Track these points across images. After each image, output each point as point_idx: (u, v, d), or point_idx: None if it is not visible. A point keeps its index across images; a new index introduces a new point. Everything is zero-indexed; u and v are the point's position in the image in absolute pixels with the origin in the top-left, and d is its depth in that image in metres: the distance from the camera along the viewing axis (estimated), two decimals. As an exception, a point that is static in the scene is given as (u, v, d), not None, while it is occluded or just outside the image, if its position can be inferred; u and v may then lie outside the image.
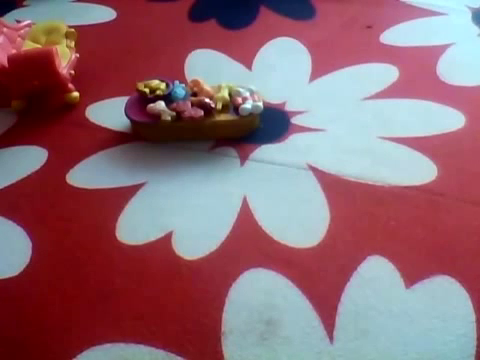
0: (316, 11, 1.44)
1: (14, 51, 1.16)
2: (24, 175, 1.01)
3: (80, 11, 1.49)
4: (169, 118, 1.02)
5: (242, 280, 0.81)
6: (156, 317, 0.78)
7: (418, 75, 1.19)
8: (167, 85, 1.08)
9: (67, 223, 0.92)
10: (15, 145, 1.09)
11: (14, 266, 0.85)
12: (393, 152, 1.01)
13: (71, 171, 1.01)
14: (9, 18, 1.42)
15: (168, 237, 0.88)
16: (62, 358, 0.74)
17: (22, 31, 1.23)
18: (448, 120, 1.06)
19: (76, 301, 0.81)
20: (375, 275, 0.81)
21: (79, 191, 0.98)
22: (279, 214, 0.91)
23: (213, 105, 1.03)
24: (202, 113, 1.02)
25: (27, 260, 0.86)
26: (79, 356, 0.74)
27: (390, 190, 0.93)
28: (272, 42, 1.32)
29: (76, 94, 1.16)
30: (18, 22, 1.29)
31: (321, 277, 0.81)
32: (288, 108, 1.12)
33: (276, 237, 0.87)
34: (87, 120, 1.13)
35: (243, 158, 1.02)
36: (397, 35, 1.32)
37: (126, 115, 1.06)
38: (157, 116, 1.03)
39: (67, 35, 1.22)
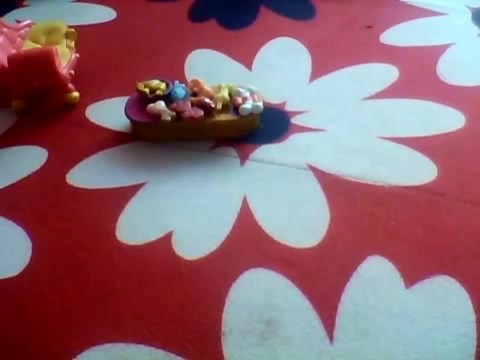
0: (316, 11, 1.44)
1: (14, 51, 1.16)
2: (24, 175, 1.01)
3: (80, 11, 1.49)
4: (169, 118, 1.02)
5: (242, 280, 0.81)
6: (156, 317, 0.78)
7: (418, 75, 1.19)
8: (167, 85, 1.08)
9: (67, 223, 0.92)
10: (15, 145, 1.09)
11: (14, 266, 0.85)
12: (393, 152, 1.01)
13: (71, 171, 1.01)
14: (9, 18, 1.42)
15: (168, 237, 0.88)
16: (62, 358, 0.74)
17: (22, 31, 1.23)
18: (448, 120, 1.06)
19: (76, 301, 0.81)
20: (375, 275, 0.81)
21: (79, 191, 0.98)
22: (279, 214, 0.91)
23: (213, 105, 1.03)
24: (202, 113, 1.02)
25: (27, 260, 0.86)
26: (79, 356, 0.74)
27: (390, 190, 0.93)
28: (272, 42, 1.32)
29: (76, 94, 1.16)
30: (18, 22, 1.29)
31: (321, 277, 0.81)
32: (288, 108, 1.12)
33: (276, 237, 0.87)
34: (87, 120, 1.13)
35: (243, 158, 1.02)
36: (397, 35, 1.32)
37: (126, 115, 1.06)
38: (157, 116, 1.03)
39: (67, 35, 1.22)
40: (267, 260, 0.84)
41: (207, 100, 1.04)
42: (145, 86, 1.07)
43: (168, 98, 1.05)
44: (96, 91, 1.19)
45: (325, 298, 0.78)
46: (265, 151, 1.03)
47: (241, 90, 1.06)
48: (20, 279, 0.84)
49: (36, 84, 1.13)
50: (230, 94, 1.06)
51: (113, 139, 1.08)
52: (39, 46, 1.21)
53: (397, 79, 1.17)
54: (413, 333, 0.74)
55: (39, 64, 1.10)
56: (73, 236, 0.90)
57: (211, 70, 1.23)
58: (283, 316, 0.77)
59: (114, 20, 1.45)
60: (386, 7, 1.44)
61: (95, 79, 1.23)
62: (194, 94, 1.07)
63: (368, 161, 0.99)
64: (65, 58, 1.17)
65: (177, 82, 1.09)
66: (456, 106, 1.09)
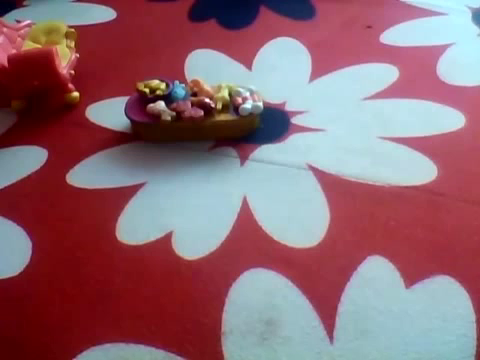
0: (316, 11, 1.44)
1: (14, 51, 1.16)
2: (24, 175, 1.01)
3: (80, 11, 1.49)
4: (169, 118, 1.02)
5: (242, 280, 0.81)
6: (156, 317, 0.78)
7: (418, 75, 1.19)
8: (167, 85, 1.08)
9: (67, 223, 0.92)
10: (15, 145, 1.09)
11: (14, 266, 0.85)
12: (393, 152, 1.01)
13: (71, 171, 1.01)
14: (9, 18, 1.42)
15: (168, 237, 0.88)
16: (62, 358, 0.74)
17: (22, 31, 1.23)
18: (448, 120, 1.06)
19: (76, 301, 0.81)
20: (375, 275, 0.81)
21: (79, 191, 0.98)
22: (279, 214, 0.91)
23: (213, 105, 1.03)
24: (202, 113, 1.02)
25: (27, 260, 0.86)
26: (79, 356, 0.74)
27: (390, 190, 0.93)
28: (272, 42, 1.32)
29: (76, 94, 1.16)
30: (18, 22, 1.28)
31: (321, 277, 0.81)
32: (288, 108, 1.12)
33: (276, 237, 0.87)
34: (87, 120, 1.13)
35: (243, 158, 1.02)
36: (397, 35, 1.32)
37: (126, 115, 1.06)
38: (157, 116, 1.03)
39: (67, 35, 1.22)
40: (267, 260, 0.84)
41: (207, 100, 1.04)
42: (145, 86, 1.07)
43: (168, 98, 1.05)
44: (96, 91, 1.19)
45: (325, 298, 0.78)
46: (265, 151, 1.03)
47: (241, 90, 1.06)
48: (20, 279, 0.84)
49: (36, 84, 1.13)
50: (230, 94, 1.06)
51: (113, 139, 1.08)
52: (39, 46, 1.21)
53: (397, 79, 1.17)
54: (413, 333, 0.74)
55: (39, 64, 1.10)
56: (73, 236, 0.90)
57: (211, 70, 1.23)
58: (283, 316, 0.77)
59: (114, 20, 1.45)
60: (386, 7, 1.44)
61: (95, 79, 1.23)
62: (194, 94, 1.07)
63: (368, 161, 0.99)
64: (65, 58, 1.17)
65: (177, 82, 1.09)
66: (456, 106, 1.09)
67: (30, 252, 0.87)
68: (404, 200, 0.91)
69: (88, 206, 0.95)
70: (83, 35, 1.26)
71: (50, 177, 1.01)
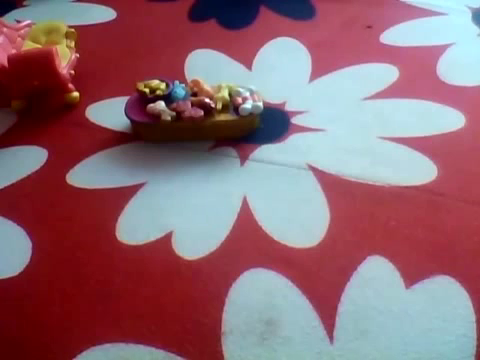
0: (316, 11, 1.44)
1: (14, 51, 1.16)
2: (24, 175, 1.01)
3: (80, 11, 1.49)
4: (169, 118, 1.02)
5: (242, 280, 0.81)
6: (156, 317, 0.78)
7: (418, 75, 1.19)
8: (167, 85, 1.08)
9: (67, 223, 0.92)
10: (15, 145, 1.09)
11: (14, 266, 0.85)
12: (393, 152, 1.01)
13: (71, 171, 1.01)
14: (9, 18, 1.42)
15: (168, 237, 0.88)
16: (62, 358, 0.74)
17: (22, 31, 1.23)
18: (448, 120, 1.06)
19: (76, 301, 0.81)
20: (375, 275, 0.81)
21: (79, 191, 0.98)
22: (279, 214, 0.91)
23: (213, 105, 1.03)
24: (202, 113, 1.02)
25: (27, 260, 0.86)
26: (79, 356, 0.74)
27: (390, 190, 0.93)
28: (272, 42, 1.32)
29: (76, 94, 1.16)
30: (18, 22, 1.29)
31: (321, 277, 0.81)
32: (288, 108, 1.12)
33: (276, 237, 0.87)
34: (87, 120, 1.13)
35: (243, 158, 1.02)
36: (397, 35, 1.32)
37: (126, 115, 1.06)
38: (157, 116, 1.03)
39: (67, 35, 1.22)
40: (267, 260, 0.84)
41: (207, 100, 1.04)
42: (145, 86, 1.07)
43: (168, 98, 1.05)
44: (96, 91, 1.19)
45: (325, 298, 0.78)
46: (265, 151, 1.03)
47: (241, 90, 1.06)
48: (20, 279, 0.84)
49: (36, 84, 1.13)
50: (230, 94, 1.06)
51: (113, 139, 1.08)
52: (39, 46, 1.21)
53: (397, 79, 1.17)
54: (413, 333, 0.74)
55: (39, 64, 1.10)
56: (73, 236, 0.90)
57: (211, 70, 1.23)
58: (283, 316, 0.77)
59: (114, 20, 1.45)
60: (386, 7, 1.44)
61: (95, 79, 1.23)
62: (194, 94, 1.07)
63: (368, 161, 0.99)
64: (65, 58, 1.17)
65: (177, 82, 1.09)
66: (456, 106, 1.09)
67: (30, 252, 0.87)
68: (404, 200, 0.91)
69: (88, 206, 0.95)
70: (83, 35, 1.26)
71: (50, 177, 1.01)
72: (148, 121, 1.03)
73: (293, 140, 1.05)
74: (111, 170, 1.01)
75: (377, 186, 0.94)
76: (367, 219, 0.89)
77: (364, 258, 0.83)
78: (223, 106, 1.04)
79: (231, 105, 1.05)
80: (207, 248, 0.86)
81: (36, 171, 1.02)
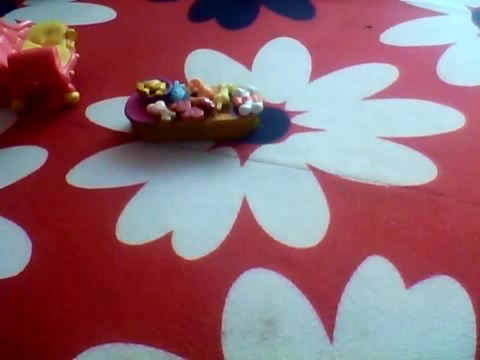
0: (316, 11, 1.44)
1: (14, 51, 1.16)
2: (24, 175, 1.01)
3: (80, 11, 1.49)
4: (169, 118, 1.02)
5: (242, 280, 0.81)
6: (156, 317, 0.78)
7: (418, 75, 1.19)
8: (167, 85, 1.08)
9: (67, 223, 0.92)
10: (15, 145, 1.09)
11: (14, 266, 0.85)
12: (393, 152, 1.01)
13: (71, 171, 1.01)
14: (9, 18, 1.42)
15: (168, 237, 0.88)
16: (62, 358, 0.74)
17: (22, 31, 1.23)
18: (448, 120, 1.06)
19: (76, 301, 0.81)
20: (375, 275, 0.81)
21: (79, 191, 0.98)
22: (279, 214, 0.91)
23: (213, 105, 1.03)
24: (202, 113, 1.02)
25: (27, 260, 0.86)
26: (79, 356, 0.74)
27: (390, 190, 0.93)
28: (272, 42, 1.32)
29: (76, 94, 1.16)
30: (18, 22, 1.29)
31: (321, 277, 0.81)
32: (288, 108, 1.12)
33: (276, 237, 0.87)
34: (87, 120, 1.13)
35: (243, 158, 1.02)
36: (397, 35, 1.32)
37: (126, 115, 1.06)
38: (157, 116, 1.03)
39: (67, 35, 1.22)
40: (267, 260, 0.84)
41: (207, 100, 1.04)
42: (145, 86, 1.07)
43: (168, 98, 1.05)
44: (96, 91, 1.19)
45: (325, 298, 0.78)
46: (265, 151, 1.03)
47: (241, 90, 1.06)
48: (20, 279, 0.84)
49: (36, 84, 1.13)
50: (230, 94, 1.06)
51: (113, 139, 1.08)
52: (39, 46, 1.21)
53: (397, 79, 1.17)
54: (413, 333, 0.74)
55: (39, 64, 1.10)
56: (73, 236, 0.90)
57: (211, 70, 1.23)
58: (283, 316, 0.77)
59: (114, 20, 1.45)
60: (386, 7, 1.44)
61: (95, 79, 1.23)
62: (194, 94, 1.07)
63: (368, 161, 0.99)
64: (65, 58, 1.17)
65: (177, 82, 1.09)
66: (456, 106, 1.09)
67: (30, 252, 0.87)
68: (404, 200, 0.91)
69: (88, 206, 0.95)
70: (83, 35, 1.26)
71: (50, 177, 1.01)
72: (148, 121, 1.03)
73: (293, 140, 1.05)
74: (111, 170, 1.01)
75: (377, 186, 0.94)
76: (367, 219, 0.89)
77: (364, 258, 0.83)
78: (223, 106, 1.04)
79: (231, 105, 1.05)
80: (207, 248, 0.86)
81: (36, 171, 1.02)
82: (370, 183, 0.95)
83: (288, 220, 0.90)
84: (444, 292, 0.78)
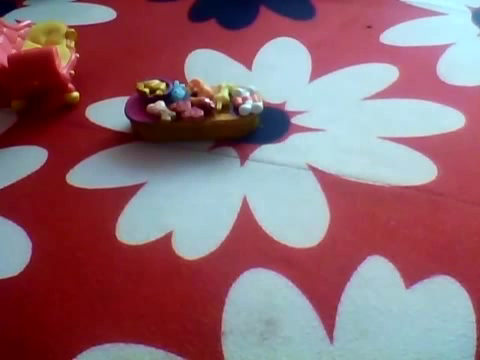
0: (316, 11, 1.44)
1: (14, 51, 1.16)
2: (24, 175, 1.01)
3: (80, 11, 1.49)
4: (169, 118, 1.02)
5: (242, 280, 0.81)
6: (156, 317, 0.78)
7: (418, 75, 1.19)
8: (167, 85, 1.08)
9: (67, 223, 0.92)
10: (15, 145, 1.09)
11: (14, 266, 0.85)
12: (393, 152, 1.01)
13: (71, 171, 1.01)
14: (9, 18, 1.42)
15: (168, 237, 0.88)
16: (62, 358, 0.74)
17: (22, 31, 1.23)
18: (448, 120, 1.06)
19: (76, 301, 0.81)
20: (375, 275, 0.81)
21: (79, 191, 0.98)
22: (279, 214, 0.91)
23: (213, 105, 1.03)
24: (202, 113, 1.02)
25: (27, 260, 0.86)
26: (79, 356, 0.74)
27: (390, 190, 0.93)
28: (272, 42, 1.32)
29: (76, 94, 1.16)
30: (18, 22, 1.29)
31: (321, 277, 0.81)
32: (288, 108, 1.12)
33: (276, 237, 0.87)
34: (87, 120, 1.13)
35: (243, 158, 1.02)
36: (397, 35, 1.32)
37: (126, 115, 1.06)
38: (157, 116, 1.03)
39: (67, 35, 1.22)
40: (267, 260, 0.84)
41: (207, 100, 1.04)
42: (145, 86, 1.07)
43: (168, 98, 1.05)
44: (96, 91, 1.19)
45: (325, 298, 0.78)
46: (265, 151, 1.03)
47: (241, 90, 1.06)
48: (20, 279, 0.84)
49: (36, 84, 1.13)
50: (230, 94, 1.06)
51: (113, 139, 1.08)
52: (39, 46, 1.21)
53: (397, 79, 1.17)
54: (413, 333, 0.74)
55: (39, 64, 1.10)
56: (73, 236, 0.90)
57: (211, 70, 1.23)
58: (283, 316, 0.77)
59: (114, 20, 1.45)
60: (386, 7, 1.44)
61: (95, 79, 1.23)
62: (194, 94, 1.07)
63: (368, 161, 0.99)
64: (65, 58, 1.17)
65: (177, 82, 1.09)
66: (456, 106, 1.09)
67: (30, 252, 0.87)
68: (404, 200, 0.91)
69: (88, 206, 0.95)
70: (83, 35, 1.26)
71: (50, 177, 1.01)
72: (148, 121, 1.03)
73: (293, 140, 1.05)
74: (111, 170, 1.01)
75: (377, 186, 0.94)
76: (367, 219, 0.89)
77: (364, 258, 0.83)
78: (223, 106, 1.04)
79: (231, 105, 1.05)
80: (207, 248, 0.86)
81: (36, 171, 1.02)
82: (370, 183, 0.95)
83: (288, 220, 0.90)
84: (444, 292, 0.78)
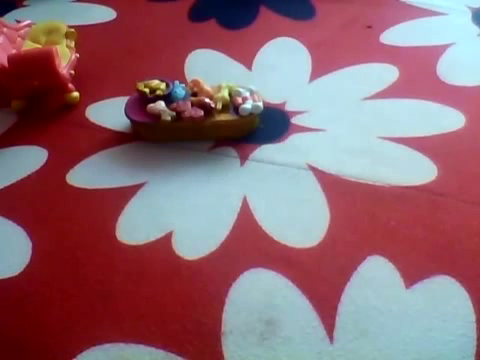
0: (316, 11, 1.44)
1: (14, 51, 1.16)
2: (24, 175, 1.01)
3: (80, 11, 1.49)
4: (169, 118, 1.02)
5: (242, 280, 0.81)
6: (156, 317, 0.78)
7: (418, 75, 1.19)
8: (167, 85, 1.08)
9: (67, 223, 0.92)
10: (15, 145, 1.09)
11: (14, 266, 0.85)
12: (393, 152, 1.01)
13: (71, 171, 1.01)
14: (9, 18, 1.42)
15: (168, 237, 0.88)
16: (62, 358, 0.74)
17: (22, 31, 1.23)
18: (448, 120, 1.06)
19: (76, 301, 0.81)
20: (375, 275, 0.81)
21: (79, 191, 0.98)
22: (279, 214, 0.91)
23: (213, 105, 1.03)
24: (202, 113, 1.02)
25: (27, 260, 0.86)
26: (79, 356, 0.74)
27: (390, 190, 0.93)
28: (272, 42, 1.32)
29: (76, 94, 1.16)
30: (18, 22, 1.29)
31: (321, 277, 0.81)
32: (288, 108, 1.12)
33: (276, 237, 0.87)
34: (87, 120, 1.13)
35: (243, 158, 1.02)
36: (397, 35, 1.32)
37: (126, 115, 1.06)
38: (157, 116, 1.03)
39: (67, 35, 1.22)
40: (267, 260, 0.84)
41: (207, 100, 1.04)
42: (145, 86, 1.07)
43: (168, 98, 1.05)
44: (96, 91, 1.19)
45: (325, 298, 0.78)
46: (265, 151, 1.03)
47: (241, 90, 1.06)
48: (20, 279, 0.84)
49: (36, 84, 1.13)
50: (230, 94, 1.06)
51: (113, 139, 1.08)
52: (39, 46, 1.21)
53: (397, 79, 1.17)
54: (413, 333, 0.74)
55: (39, 64, 1.10)
56: (73, 236, 0.90)
57: (211, 70, 1.23)
58: (283, 316, 0.77)
59: (114, 20, 1.45)
60: (386, 7, 1.44)
61: (95, 79, 1.23)
62: (194, 94, 1.07)
63: (368, 161, 0.99)
64: (65, 58, 1.17)
65: (177, 82, 1.09)
66: (456, 106, 1.09)
67: (30, 252, 0.87)
68: (404, 200, 0.91)
69: (88, 206, 0.95)
70: (83, 35, 1.26)
71: (50, 177, 1.01)
72: (148, 121, 1.03)
73: (293, 140, 1.05)
74: (111, 170, 1.01)
75: (377, 186, 0.94)
76: (367, 219, 0.89)
77: (364, 258, 0.83)
78: (223, 106, 1.04)
79: (231, 105, 1.05)
80: (207, 248, 0.86)
81: (36, 171, 1.02)
82: (370, 183, 0.95)
83: (288, 220, 0.90)
84: (444, 292, 0.78)
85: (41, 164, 1.03)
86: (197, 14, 1.46)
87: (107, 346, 0.75)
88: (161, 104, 1.04)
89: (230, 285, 0.80)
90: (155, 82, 1.08)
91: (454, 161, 0.98)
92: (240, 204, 0.93)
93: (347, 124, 1.08)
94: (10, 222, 0.93)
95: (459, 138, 1.02)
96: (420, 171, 0.96)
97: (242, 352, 0.73)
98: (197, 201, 0.94)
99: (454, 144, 1.01)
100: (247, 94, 1.05)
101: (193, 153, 1.04)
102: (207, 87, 1.07)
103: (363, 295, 0.78)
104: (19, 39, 1.21)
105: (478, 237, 0.85)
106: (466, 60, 1.23)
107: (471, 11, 1.39)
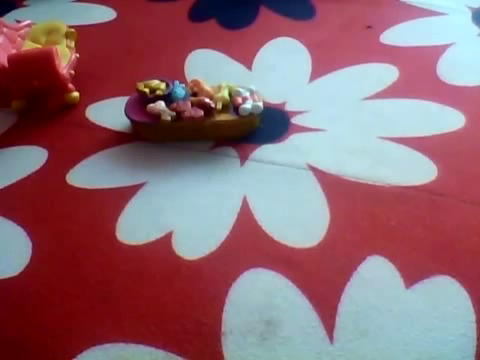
0: (316, 11, 1.44)
1: (14, 51, 1.16)
2: (24, 175, 1.01)
3: (80, 11, 1.49)
4: (169, 118, 1.02)
5: (242, 280, 0.81)
6: (156, 317, 0.78)
7: (418, 75, 1.19)
8: (167, 85, 1.08)
9: (67, 223, 0.92)
10: (15, 145, 1.09)
11: (14, 266, 0.85)
12: (393, 152, 1.01)
13: (71, 171, 1.01)
14: (9, 18, 1.42)
15: (168, 237, 0.88)
16: (62, 358, 0.74)
17: (22, 31, 1.23)
18: (448, 120, 1.06)
19: (76, 301, 0.81)
20: (375, 275, 0.81)
21: (79, 191, 0.98)
22: (279, 214, 0.91)
23: (213, 105, 1.03)
24: (202, 113, 1.02)
25: (27, 260, 0.86)
26: (79, 356, 0.74)
27: (390, 190, 0.93)
28: (272, 42, 1.32)
29: (76, 94, 1.17)
30: (18, 22, 1.29)
31: (321, 277, 0.81)
32: (288, 108, 1.12)
33: (276, 237, 0.87)
34: (87, 120, 1.13)
35: (243, 158, 1.02)
36: (397, 35, 1.32)
37: (126, 115, 1.06)
38: (157, 116, 1.03)
39: (67, 35, 1.22)
40: (267, 260, 0.84)
41: (207, 100, 1.04)
42: (145, 86, 1.07)
43: (168, 98, 1.05)
44: (96, 91, 1.19)
45: (325, 298, 0.78)
46: (265, 151, 1.03)
47: (241, 90, 1.06)
48: (20, 279, 0.84)
49: (36, 84, 1.13)
50: (230, 94, 1.06)
51: (113, 139, 1.08)
52: (39, 46, 1.21)
53: (397, 79, 1.17)
54: (413, 333, 0.74)
55: (39, 64, 1.10)
56: (73, 236, 0.90)
57: (211, 70, 1.23)
58: (283, 316, 0.77)
59: (114, 20, 1.46)
60: (386, 7, 1.44)
61: (95, 79, 1.23)
62: (194, 94, 1.07)
63: (368, 161, 0.99)
64: (65, 58, 1.17)
65: (177, 82, 1.09)
66: (456, 106, 1.09)
67: (30, 252, 0.88)
68: (404, 200, 0.91)
69: (88, 206, 0.95)
70: (83, 35, 1.26)
71: (50, 177, 1.01)
72: (148, 121, 1.03)
73: (293, 140, 1.05)
74: (111, 170, 1.01)
75: (377, 186, 0.94)
76: (367, 219, 0.89)
77: (364, 258, 0.83)
78: (223, 106, 1.04)
79: (231, 105, 1.05)
80: (207, 248, 0.86)
81: (36, 171, 1.02)
82: (370, 183, 0.95)
83: (288, 220, 0.90)
84: (444, 292, 0.78)
85: (41, 164, 1.03)
86: (197, 14, 1.46)
87: (107, 346, 0.75)
88: (161, 104, 1.04)
89: (230, 285, 0.80)
90: (155, 82, 1.08)
91: (454, 161, 0.98)
92: (240, 204, 0.93)
93: (347, 124, 1.08)
94: (10, 222, 0.93)
95: (459, 138, 1.03)
96: (420, 171, 0.96)
97: (242, 352, 0.73)
98: (197, 201, 0.94)
99: (454, 144, 1.01)
100: (247, 94, 1.05)
101: (193, 153, 1.04)
102: (207, 87, 1.07)
103: (363, 295, 0.78)
104: (19, 39, 1.21)
105: (478, 237, 0.85)
106: (466, 60, 1.23)
107: (471, 11, 1.39)
